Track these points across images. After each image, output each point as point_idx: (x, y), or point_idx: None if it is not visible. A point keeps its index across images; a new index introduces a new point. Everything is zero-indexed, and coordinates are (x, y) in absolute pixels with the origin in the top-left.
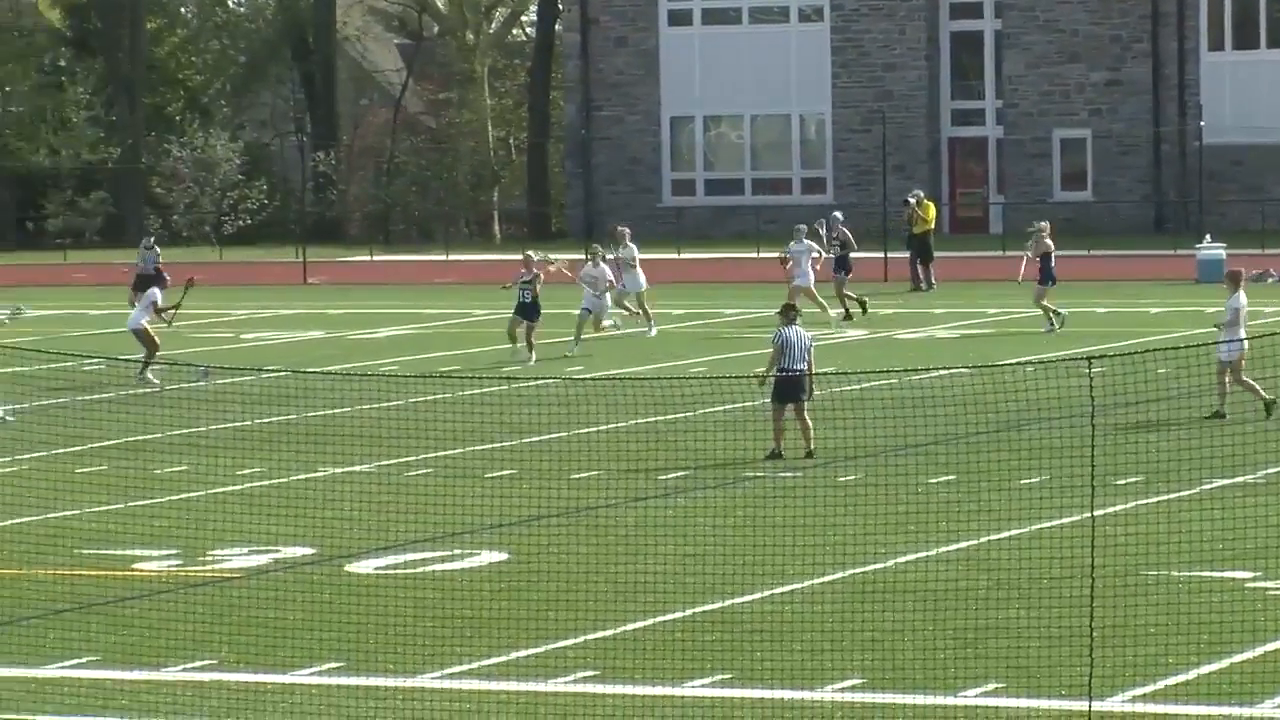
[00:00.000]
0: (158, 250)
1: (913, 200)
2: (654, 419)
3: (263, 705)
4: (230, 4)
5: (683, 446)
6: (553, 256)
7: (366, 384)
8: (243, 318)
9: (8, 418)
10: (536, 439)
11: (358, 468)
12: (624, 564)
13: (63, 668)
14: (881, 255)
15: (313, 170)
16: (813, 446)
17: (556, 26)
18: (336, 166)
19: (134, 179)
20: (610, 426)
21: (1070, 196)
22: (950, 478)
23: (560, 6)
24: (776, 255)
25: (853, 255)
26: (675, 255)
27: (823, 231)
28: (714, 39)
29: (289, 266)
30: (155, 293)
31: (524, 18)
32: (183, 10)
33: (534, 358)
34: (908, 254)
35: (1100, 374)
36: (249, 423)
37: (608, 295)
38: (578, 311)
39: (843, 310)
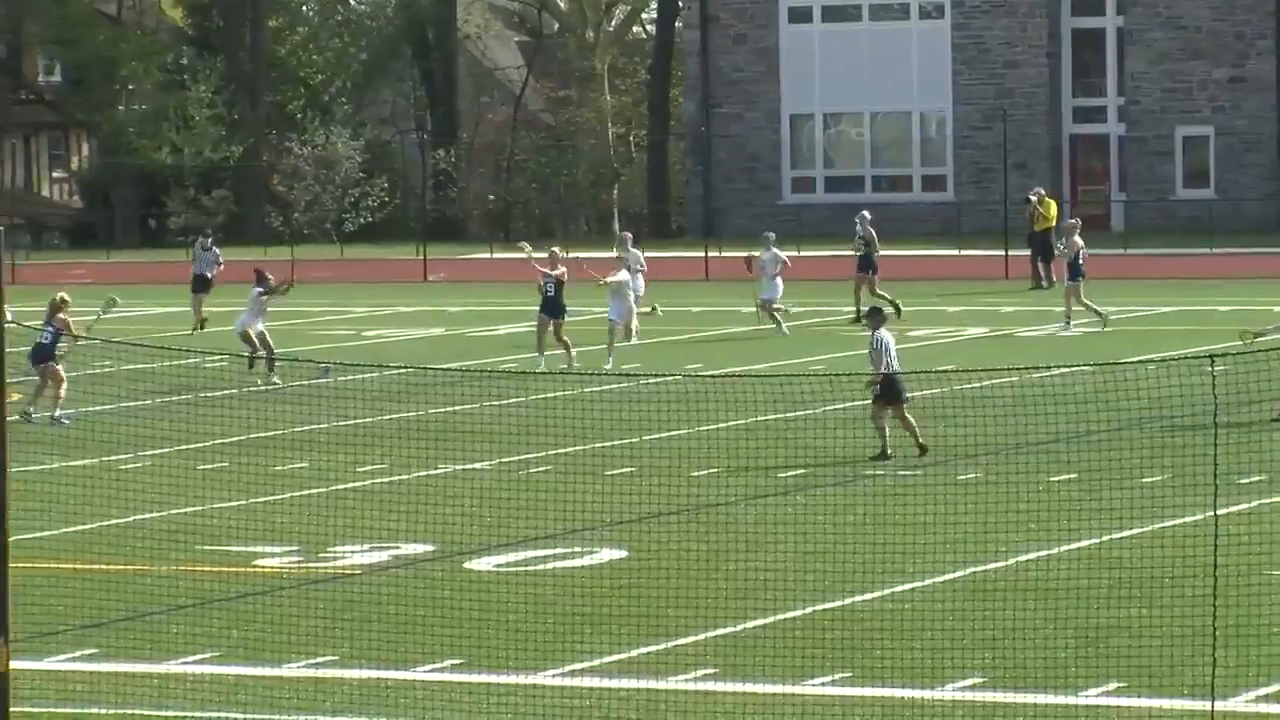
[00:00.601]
0: (217, 250)
1: (1034, 198)
2: (773, 416)
3: (383, 701)
4: (351, 2)
5: (802, 444)
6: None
7: (486, 381)
8: (363, 315)
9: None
10: (656, 436)
11: (477, 465)
12: (743, 562)
13: (185, 663)
14: (1002, 253)
15: (433, 168)
16: (923, 441)
17: (676, 24)
18: (456, 164)
19: (255, 177)
20: (729, 424)
21: (1193, 194)
22: (1072, 476)
23: (680, 4)
24: (743, 256)
25: (876, 255)
26: (795, 253)
27: (859, 229)
28: (834, 36)
29: (409, 264)
30: (258, 292)
31: (644, 15)
32: (304, 8)
33: (573, 355)
34: (1028, 252)
35: (1223, 372)
36: (369, 420)
37: (630, 297)
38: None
39: (891, 306)
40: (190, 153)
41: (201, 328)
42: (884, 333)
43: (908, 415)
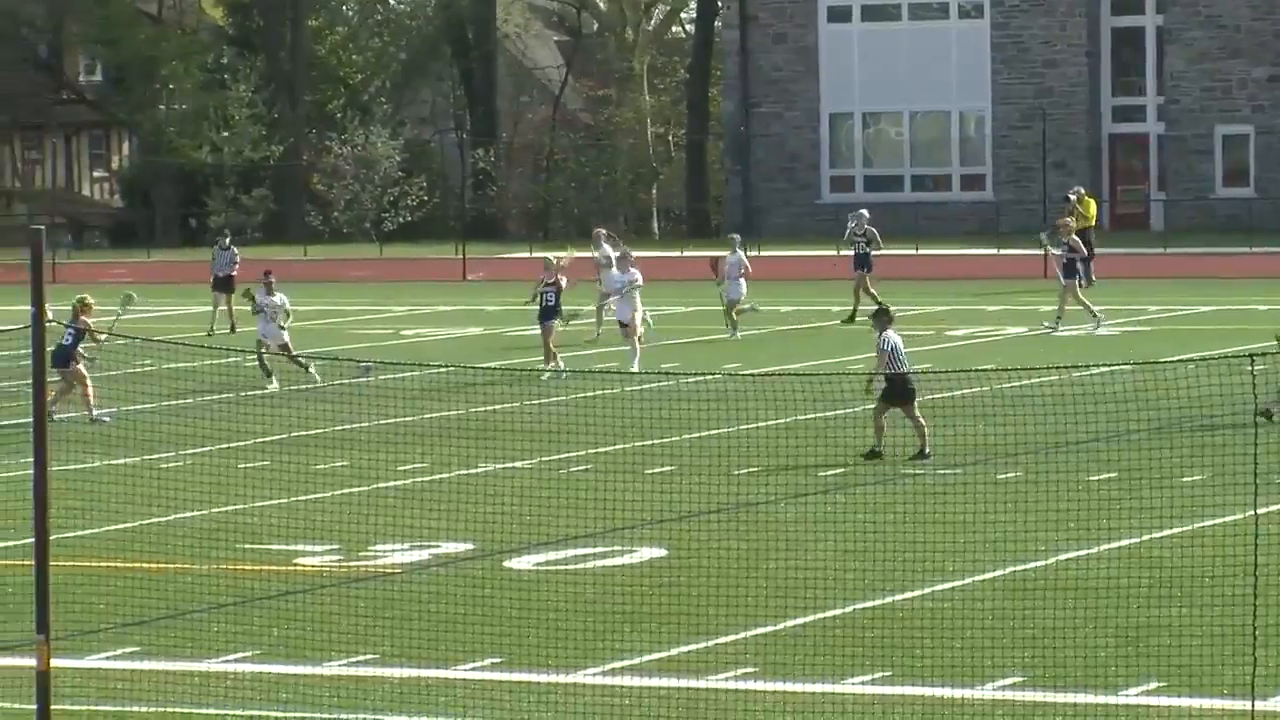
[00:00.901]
0: (235, 250)
1: (1073, 197)
2: (813, 415)
3: (423, 700)
4: (391, 1)
5: (842, 443)
6: (564, 255)
7: (526, 380)
8: (402, 314)
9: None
10: (696, 435)
11: (518, 464)
12: (783, 560)
13: (226, 661)
14: (1041, 252)
15: (472, 167)
16: (928, 448)
17: (715, 23)
18: (496, 163)
19: (295, 176)
20: (769, 423)
21: (1232, 193)
22: (1111, 475)
23: (719, 3)
24: (709, 258)
25: (875, 254)
26: (833, 252)
27: (851, 224)
28: (873, 35)
29: (448, 263)
30: (256, 292)
31: (683, 15)
32: (343, 8)
33: (559, 362)
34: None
35: (1263, 371)
36: (410, 418)
37: (637, 295)
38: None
39: (851, 309)
40: (230, 152)
41: (212, 331)
42: (891, 333)
43: (918, 415)
